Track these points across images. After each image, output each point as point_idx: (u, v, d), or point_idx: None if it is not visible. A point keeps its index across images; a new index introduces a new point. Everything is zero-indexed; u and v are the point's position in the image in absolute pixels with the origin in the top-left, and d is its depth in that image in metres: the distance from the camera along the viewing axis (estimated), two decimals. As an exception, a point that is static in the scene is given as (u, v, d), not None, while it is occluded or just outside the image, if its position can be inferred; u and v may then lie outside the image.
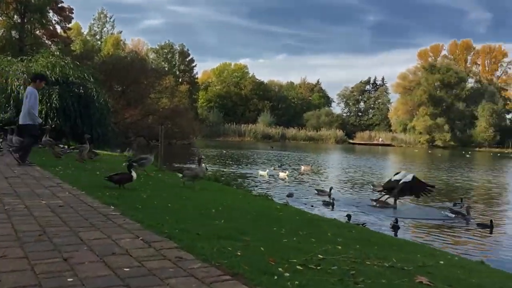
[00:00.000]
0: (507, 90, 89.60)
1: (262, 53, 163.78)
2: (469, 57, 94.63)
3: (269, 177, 19.10)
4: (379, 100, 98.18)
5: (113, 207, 4.74)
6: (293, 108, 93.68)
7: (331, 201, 11.96)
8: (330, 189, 13.87)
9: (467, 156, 55.62)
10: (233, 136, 75.18)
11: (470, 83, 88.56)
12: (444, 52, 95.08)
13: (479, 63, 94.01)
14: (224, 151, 39.33)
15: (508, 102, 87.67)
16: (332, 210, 11.38)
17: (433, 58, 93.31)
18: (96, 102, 18.11)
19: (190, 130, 43.47)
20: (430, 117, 79.48)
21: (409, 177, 12.65)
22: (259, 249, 3.35)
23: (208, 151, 38.13)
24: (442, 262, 3.97)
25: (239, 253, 3.13)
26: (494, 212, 12.94)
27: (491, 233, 9.75)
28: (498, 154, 64.18)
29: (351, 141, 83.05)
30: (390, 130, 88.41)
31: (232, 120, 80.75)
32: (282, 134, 79.79)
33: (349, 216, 9.48)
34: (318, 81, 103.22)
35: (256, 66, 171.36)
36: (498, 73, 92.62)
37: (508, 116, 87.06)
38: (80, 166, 9.96)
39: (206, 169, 9.84)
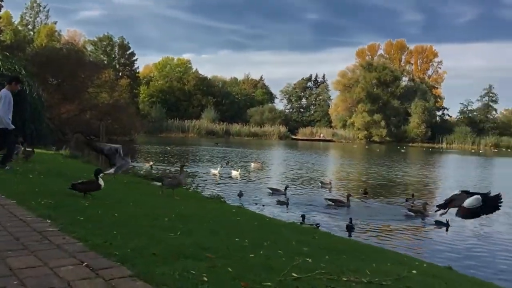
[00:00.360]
0: (437, 88, 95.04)
1: (205, 48, 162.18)
2: (403, 57, 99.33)
3: (220, 176, 18.63)
4: (320, 97, 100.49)
5: (49, 221, 4.09)
6: (237, 104, 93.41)
7: (286, 200, 11.74)
8: (286, 188, 13.66)
9: (402, 151, 58.34)
10: (176, 132, 73.55)
11: (404, 81, 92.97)
12: (380, 51, 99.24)
13: (412, 62, 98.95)
14: (168, 148, 38.24)
15: (439, 99, 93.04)
16: (287, 209, 11.15)
17: (370, 56, 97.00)
18: (29, 96, 16.66)
19: (131, 126, 41.77)
20: (368, 114, 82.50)
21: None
22: (227, 270, 2.94)
23: (151, 148, 36.86)
24: (414, 271, 3.78)
25: (205, 278, 2.70)
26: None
27: (447, 231, 9.96)
28: (430, 149, 68.01)
29: (293, 137, 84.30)
30: (331, 126, 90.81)
31: (175, 115, 78.97)
32: (226, 130, 79.31)
33: (303, 217, 9.30)
34: (261, 78, 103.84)
35: (199, 61, 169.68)
36: (429, 72, 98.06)
37: (438, 113, 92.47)
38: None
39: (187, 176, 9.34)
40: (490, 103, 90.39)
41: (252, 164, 24.35)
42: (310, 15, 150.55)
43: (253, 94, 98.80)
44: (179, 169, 8.38)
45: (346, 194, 12.87)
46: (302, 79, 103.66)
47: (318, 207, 11.95)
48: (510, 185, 22.54)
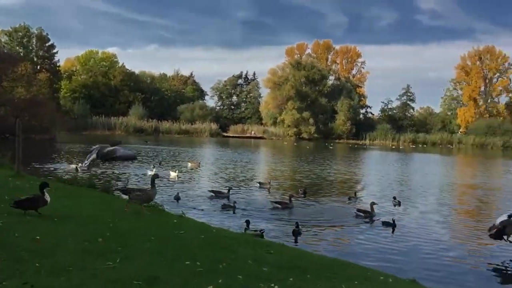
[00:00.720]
0: (361, 87, 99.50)
1: (131, 43, 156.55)
2: (329, 56, 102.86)
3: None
4: (251, 94, 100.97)
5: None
6: (166, 101, 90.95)
7: (233, 204, 11.18)
8: (229, 190, 13.07)
9: (330, 147, 60.30)
10: (102, 130, 69.80)
11: (331, 80, 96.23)
12: (308, 51, 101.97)
13: (338, 62, 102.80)
14: (94, 147, 35.97)
15: (362, 98, 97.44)
16: (233, 214, 10.61)
17: (299, 55, 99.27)
18: None
19: (51, 123, 38.80)
20: (297, 111, 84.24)
21: None
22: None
23: (74, 147, 34.43)
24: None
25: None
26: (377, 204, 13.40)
27: (393, 232, 10.00)
28: (356, 146, 71.00)
29: (225, 134, 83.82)
30: (262, 123, 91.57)
31: (100, 112, 74.83)
32: (155, 128, 76.77)
33: (247, 222, 8.83)
34: (191, 74, 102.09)
35: (125, 56, 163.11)
36: (353, 71, 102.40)
37: (362, 111, 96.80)
38: None
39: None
40: (408, 102, 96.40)
41: (189, 164, 23.53)
42: (240, 13, 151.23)
43: (183, 90, 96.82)
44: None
45: (289, 194, 12.62)
46: (233, 76, 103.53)
47: (261, 210, 11.55)
48: (429, 180, 23.93)
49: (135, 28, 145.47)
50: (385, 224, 10.45)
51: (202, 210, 10.63)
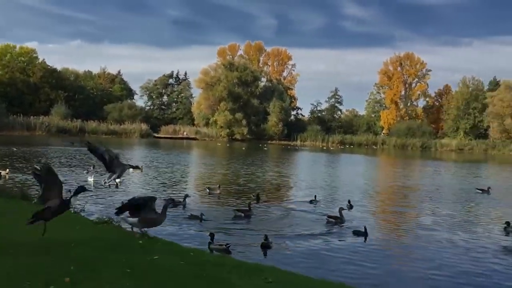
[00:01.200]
0: (292, 89, 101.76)
1: (52, 38, 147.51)
2: (261, 58, 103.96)
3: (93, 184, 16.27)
4: (182, 94, 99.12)
5: None
6: (92, 100, 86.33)
7: (200, 215, 10.44)
8: (185, 198, 12.25)
9: (265, 148, 60.87)
10: (20, 130, 64.28)
11: (263, 81, 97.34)
12: (240, 52, 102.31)
13: (269, 64, 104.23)
14: (15, 149, 32.93)
15: (293, 100, 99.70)
16: (201, 223, 9.88)
17: (231, 56, 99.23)
18: None
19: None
20: (230, 112, 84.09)
21: None
22: None
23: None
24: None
25: None
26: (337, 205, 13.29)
27: (365, 240, 9.88)
28: (288, 147, 72.41)
29: (156, 135, 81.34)
30: (194, 124, 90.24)
31: (18, 111, 68.87)
32: (80, 128, 72.30)
33: (212, 236, 8.23)
34: (119, 72, 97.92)
35: (46, 51, 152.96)
36: (284, 74, 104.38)
37: (293, 113, 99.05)
38: None
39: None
40: (336, 104, 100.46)
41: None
42: (171, 11, 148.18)
43: (110, 89, 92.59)
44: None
45: (248, 202, 12.14)
46: (164, 75, 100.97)
47: (218, 219, 10.92)
48: (367, 182, 24.82)
49: (56, 22, 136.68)
50: (356, 233, 10.29)
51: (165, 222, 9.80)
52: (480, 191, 20.20)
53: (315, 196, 14.61)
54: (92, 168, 21.85)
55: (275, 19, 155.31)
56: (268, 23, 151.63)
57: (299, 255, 8.33)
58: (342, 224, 11.31)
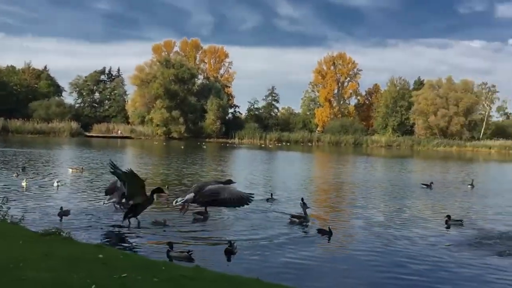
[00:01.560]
0: (229, 87, 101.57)
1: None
2: (197, 55, 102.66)
3: (26, 188, 14.96)
4: (116, 91, 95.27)
5: None
6: (15, 96, 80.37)
7: (163, 221, 9.85)
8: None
9: (204, 147, 60.16)
10: None
11: (200, 79, 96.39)
12: (176, 49, 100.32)
13: (206, 61, 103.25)
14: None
15: (231, 98, 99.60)
16: (164, 230, 9.30)
17: (166, 53, 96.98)
18: None
19: None
20: (166, 110, 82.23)
21: None
22: None
23: None
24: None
25: None
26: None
27: (329, 240, 9.84)
28: (227, 145, 72.23)
29: (87, 133, 77.42)
30: (128, 122, 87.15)
31: None
32: (3, 126, 66.91)
33: (171, 245, 7.78)
34: (45, 68, 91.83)
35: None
36: (221, 71, 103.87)
37: (231, 110, 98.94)
38: None
39: None
40: (273, 102, 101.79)
41: (70, 170, 20.83)
42: (101, 5, 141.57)
43: (36, 85, 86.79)
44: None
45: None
46: (95, 71, 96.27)
47: (177, 224, 10.36)
48: (311, 178, 25.33)
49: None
50: (321, 232, 10.25)
51: (101, 229, 9.12)
52: (425, 186, 21.40)
53: (272, 195, 14.43)
54: (21, 170, 20.23)
55: (212, 16, 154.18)
56: (205, 20, 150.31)
57: (261, 259, 8.02)
58: (306, 223, 11.25)
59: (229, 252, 7.92)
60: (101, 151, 42.04)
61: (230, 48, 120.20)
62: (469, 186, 22.69)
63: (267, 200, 13.70)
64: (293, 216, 11.53)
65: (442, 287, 7.67)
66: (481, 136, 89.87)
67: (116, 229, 9.87)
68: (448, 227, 12.39)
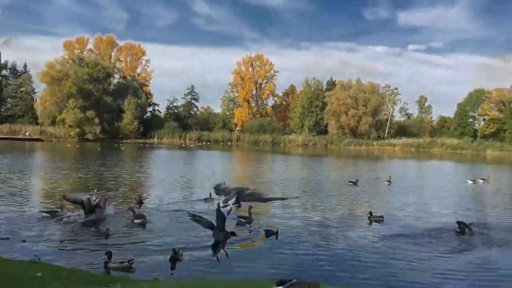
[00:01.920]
0: (147, 86, 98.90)
1: None
2: (113, 53, 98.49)
3: None
4: (23, 89, 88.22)
5: None
6: None
7: (106, 230, 9.49)
8: (61, 208, 10.96)
9: (122, 148, 58.25)
10: None
11: (116, 78, 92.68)
12: (90, 46, 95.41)
13: (122, 60, 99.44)
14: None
15: (149, 96, 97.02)
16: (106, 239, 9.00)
17: (79, 50, 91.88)
18: None
19: None
20: (80, 110, 78.03)
21: None
22: None
23: None
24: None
25: None
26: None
27: (276, 238, 10.21)
28: (147, 145, 70.51)
29: (-11, 135, 70.83)
30: (37, 123, 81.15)
31: None
32: None
33: (109, 254, 7.56)
34: None
35: None
36: (138, 70, 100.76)
37: (149, 109, 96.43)
38: None
39: None
40: (193, 101, 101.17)
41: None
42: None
43: None
44: None
45: (130, 206, 11.48)
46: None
47: (114, 232, 10.11)
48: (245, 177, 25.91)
49: None
50: (268, 233, 10.59)
51: (24, 241, 8.52)
52: (352, 183, 22.90)
53: (210, 194, 14.53)
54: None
55: (126, 12, 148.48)
56: (117, 15, 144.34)
57: (210, 264, 8.03)
58: (251, 224, 11.58)
59: (175, 260, 7.96)
60: (5, 155, 38.62)
61: (147, 46, 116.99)
62: (386, 182, 24.53)
63: (205, 200, 13.82)
64: (239, 216, 11.89)
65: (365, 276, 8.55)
66: (385, 135, 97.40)
67: (49, 239, 9.48)
68: (370, 223, 13.59)
